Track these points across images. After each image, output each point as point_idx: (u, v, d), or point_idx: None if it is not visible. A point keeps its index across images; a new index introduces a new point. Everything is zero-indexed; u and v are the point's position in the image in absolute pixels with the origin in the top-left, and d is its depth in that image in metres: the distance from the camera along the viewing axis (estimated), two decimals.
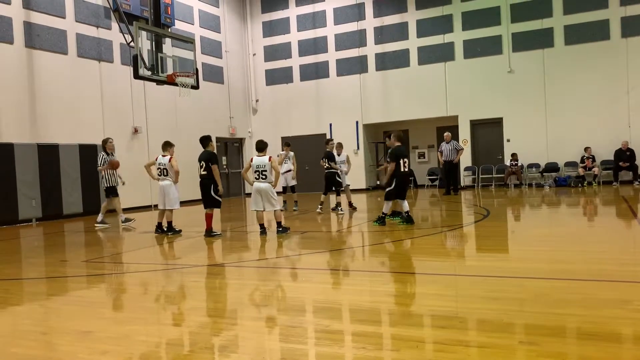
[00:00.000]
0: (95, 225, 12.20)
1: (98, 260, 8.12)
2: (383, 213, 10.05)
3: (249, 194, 14.78)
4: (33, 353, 3.91)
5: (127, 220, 12.17)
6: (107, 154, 12.07)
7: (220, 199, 9.82)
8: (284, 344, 3.86)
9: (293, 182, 14.23)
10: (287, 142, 15.04)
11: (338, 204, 12.87)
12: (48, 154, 14.36)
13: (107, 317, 4.79)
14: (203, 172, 9.71)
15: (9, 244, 10.61)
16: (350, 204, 13.45)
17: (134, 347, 3.86)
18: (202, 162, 9.69)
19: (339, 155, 13.21)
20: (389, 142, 11.17)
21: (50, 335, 4.37)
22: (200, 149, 10.00)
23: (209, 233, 9.67)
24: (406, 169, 9.90)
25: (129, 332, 4.25)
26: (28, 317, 5.02)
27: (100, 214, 12.36)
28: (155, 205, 11.04)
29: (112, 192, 12.14)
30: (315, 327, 4.20)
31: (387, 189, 9.92)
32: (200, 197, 9.96)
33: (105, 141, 12.33)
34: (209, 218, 9.75)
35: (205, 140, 9.97)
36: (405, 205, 9.92)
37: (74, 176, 14.97)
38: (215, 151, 10.43)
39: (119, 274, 7.11)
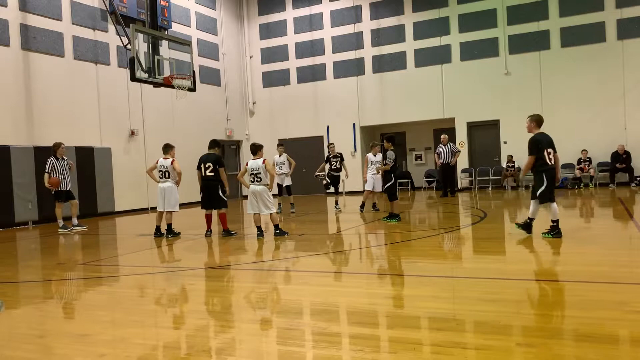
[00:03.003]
0: (59, 230, 12.04)
1: (95, 263, 8.10)
2: (553, 221, 7.90)
3: (245, 196, 14.71)
4: (29, 356, 3.89)
5: (65, 227, 12.06)
6: (57, 159, 11.87)
7: (226, 199, 10.06)
8: (281, 346, 3.85)
9: (288, 182, 14.15)
10: (280, 143, 15.07)
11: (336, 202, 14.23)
12: (44, 156, 14.27)
13: (104, 320, 4.78)
14: (210, 174, 9.83)
15: (5, 247, 10.57)
16: (374, 205, 13.74)
17: (131, 350, 3.85)
18: (209, 164, 9.83)
19: (374, 155, 13.38)
20: (386, 144, 11.15)
21: (46, 339, 4.36)
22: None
23: (227, 232, 9.90)
24: (550, 161, 8.00)
25: (126, 335, 4.24)
26: (24, 320, 5.00)
27: (60, 220, 12.15)
28: (153, 208, 11.01)
29: (58, 197, 12.00)
30: (312, 329, 4.19)
31: (539, 191, 7.95)
32: (200, 199, 10.08)
33: (57, 145, 11.98)
34: (223, 217, 10.00)
35: (213, 143, 10.22)
36: (555, 210, 7.89)
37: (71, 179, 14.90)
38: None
39: (116, 276, 7.09)
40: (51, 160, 11.88)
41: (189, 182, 15.37)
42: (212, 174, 9.82)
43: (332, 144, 14.88)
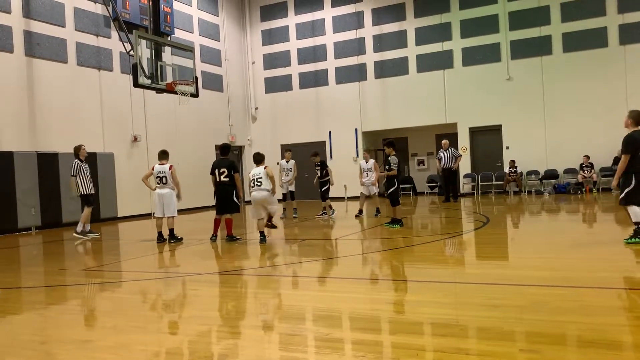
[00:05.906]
0: (75, 234, 11.92)
1: (97, 268, 8.10)
2: (636, 224, 7.30)
3: (247, 202, 14.67)
4: None
5: (88, 232, 11.98)
6: (81, 161, 11.81)
7: (239, 204, 10.15)
8: (284, 352, 3.85)
9: (291, 188, 14.24)
10: (288, 148, 15.13)
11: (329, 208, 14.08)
12: (47, 162, 14.36)
13: (107, 326, 4.78)
14: (225, 179, 9.93)
15: (8, 253, 10.58)
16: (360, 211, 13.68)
17: (133, 356, 3.85)
18: (224, 169, 9.94)
19: (366, 162, 13.53)
20: (387, 150, 11.15)
21: (49, 345, 4.36)
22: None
23: (232, 238, 9.93)
24: None
25: (129, 341, 4.23)
26: (27, 326, 5.00)
27: (80, 224, 12.03)
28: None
29: (88, 201, 11.86)
30: (315, 335, 4.19)
31: (626, 190, 7.25)
32: (215, 203, 10.19)
33: (78, 148, 11.92)
34: (229, 223, 10.05)
35: (227, 149, 10.35)
36: (636, 212, 7.25)
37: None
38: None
39: (119, 282, 7.09)
40: (77, 163, 11.72)
41: (195, 187, 15.50)
42: (227, 179, 9.94)
43: (315, 153, 14.45)
